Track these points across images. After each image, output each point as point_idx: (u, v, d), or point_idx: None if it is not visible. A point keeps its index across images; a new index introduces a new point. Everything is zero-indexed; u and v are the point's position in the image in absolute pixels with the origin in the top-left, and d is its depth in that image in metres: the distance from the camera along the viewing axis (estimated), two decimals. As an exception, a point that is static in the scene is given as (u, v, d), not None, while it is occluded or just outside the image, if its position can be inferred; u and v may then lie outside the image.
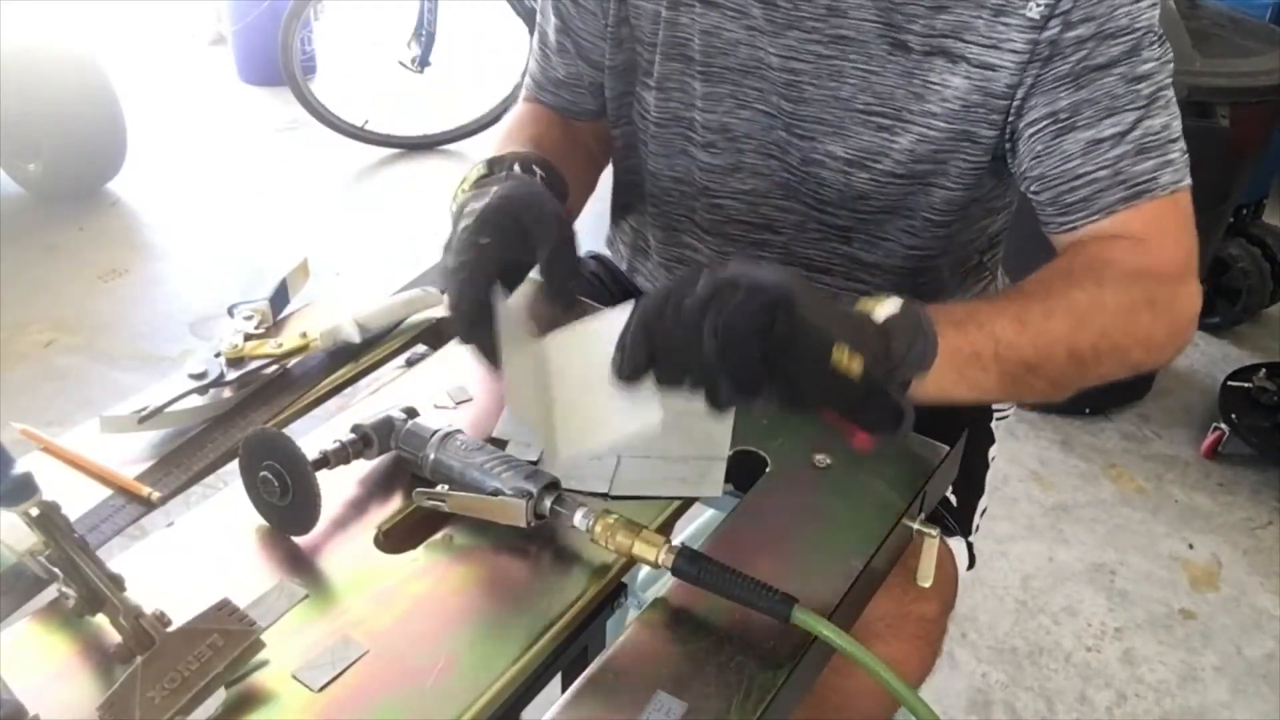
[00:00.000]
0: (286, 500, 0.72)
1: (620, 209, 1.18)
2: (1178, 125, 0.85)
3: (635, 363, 0.64)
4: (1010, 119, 0.87)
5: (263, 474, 0.72)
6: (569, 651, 0.70)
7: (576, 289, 0.81)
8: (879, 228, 0.96)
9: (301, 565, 0.72)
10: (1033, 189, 0.88)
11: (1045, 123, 0.85)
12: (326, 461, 0.75)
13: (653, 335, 0.64)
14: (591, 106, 1.08)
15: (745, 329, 0.61)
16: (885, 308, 0.70)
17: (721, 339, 0.61)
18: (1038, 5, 0.81)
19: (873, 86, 0.88)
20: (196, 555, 0.73)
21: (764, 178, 0.97)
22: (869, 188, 0.92)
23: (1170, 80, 0.85)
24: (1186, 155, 0.85)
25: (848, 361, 0.64)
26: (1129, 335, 0.80)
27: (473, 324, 0.75)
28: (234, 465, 0.76)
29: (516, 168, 0.86)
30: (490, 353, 0.76)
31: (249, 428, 0.84)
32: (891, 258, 0.99)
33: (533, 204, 0.78)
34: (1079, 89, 0.83)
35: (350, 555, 0.73)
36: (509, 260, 0.77)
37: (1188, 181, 0.85)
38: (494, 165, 0.87)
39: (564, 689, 0.64)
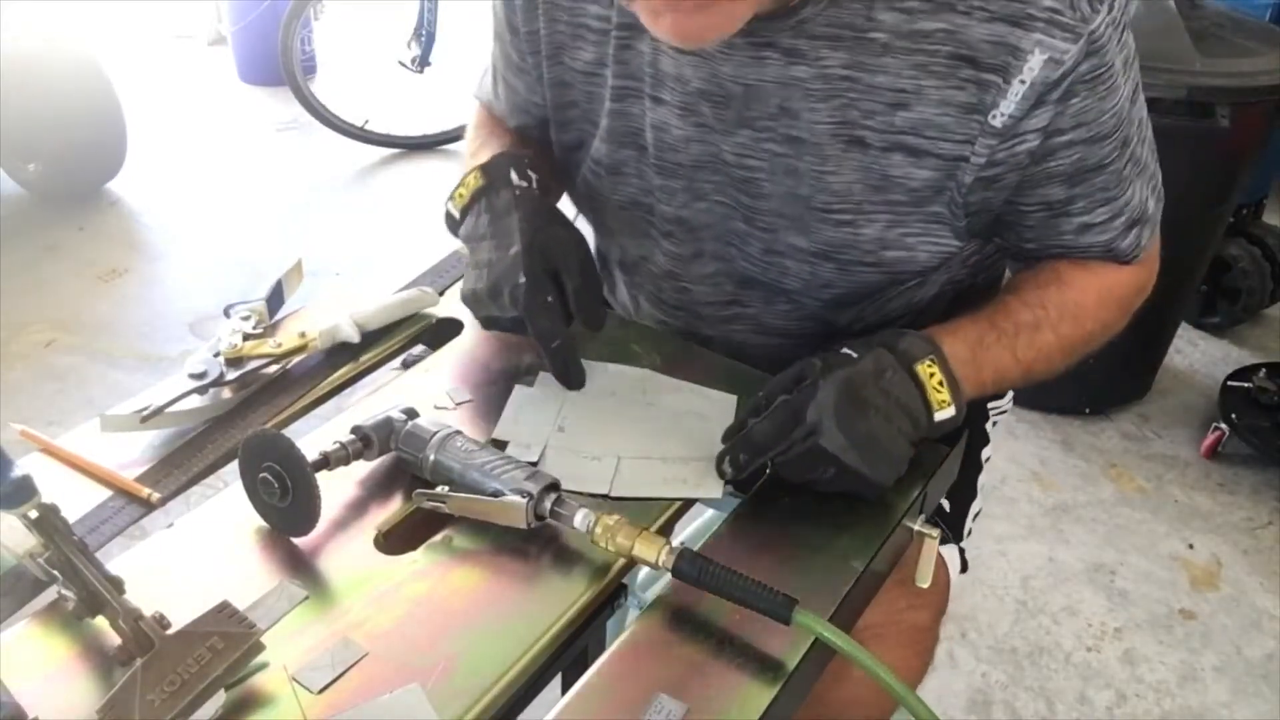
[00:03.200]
0: (286, 501, 0.72)
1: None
2: (1154, 163, 0.90)
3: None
4: (971, 197, 0.84)
5: (262, 475, 0.72)
6: (569, 652, 0.70)
7: (604, 314, 0.89)
8: (848, 309, 0.95)
9: (301, 567, 0.72)
10: (1024, 247, 0.91)
11: (1039, 209, 0.86)
12: (326, 463, 0.75)
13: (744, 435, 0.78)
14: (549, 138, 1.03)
15: (797, 473, 0.77)
16: (945, 412, 0.78)
17: (778, 468, 0.77)
18: (1001, 116, 0.77)
19: (830, 186, 0.85)
20: (196, 556, 0.73)
21: (726, 263, 0.95)
22: (834, 276, 0.90)
23: (1144, 113, 0.87)
24: (1161, 189, 0.92)
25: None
26: (1099, 338, 0.92)
27: (571, 373, 0.88)
28: (234, 465, 0.76)
29: (514, 176, 0.89)
30: (578, 380, 0.89)
31: (249, 428, 0.84)
32: (860, 322, 0.98)
33: (560, 241, 0.85)
34: (1073, 186, 0.84)
35: (350, 557, 0.73)
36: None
37: (1159, 218, 0.92)
38: (491, 174, 0.90)
39: (564, 690, 0.64)
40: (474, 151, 1.03)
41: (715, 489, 0.80)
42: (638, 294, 1.07)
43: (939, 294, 0.99)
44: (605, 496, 0.79)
